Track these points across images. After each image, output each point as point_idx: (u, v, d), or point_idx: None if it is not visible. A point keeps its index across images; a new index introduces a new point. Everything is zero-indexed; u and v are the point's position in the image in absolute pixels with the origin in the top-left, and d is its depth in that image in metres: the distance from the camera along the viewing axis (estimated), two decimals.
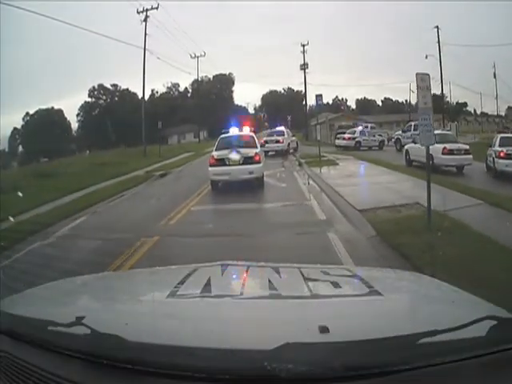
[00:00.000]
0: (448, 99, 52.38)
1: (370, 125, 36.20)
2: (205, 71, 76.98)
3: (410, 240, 5.83)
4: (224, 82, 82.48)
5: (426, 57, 40.24)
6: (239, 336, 1.16)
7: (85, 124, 71.92)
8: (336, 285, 1.66)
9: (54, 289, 1.88)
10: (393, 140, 29.93)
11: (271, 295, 1.56)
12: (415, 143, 17.41)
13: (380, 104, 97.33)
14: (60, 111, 70.00)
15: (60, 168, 22.10)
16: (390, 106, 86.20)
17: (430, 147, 7.15)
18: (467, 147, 16.57)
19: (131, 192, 14.32)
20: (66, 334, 1.15)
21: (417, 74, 6.94)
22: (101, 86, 74.58)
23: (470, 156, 16.06)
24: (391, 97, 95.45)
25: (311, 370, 0.96)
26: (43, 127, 62.11)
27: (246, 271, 2.04)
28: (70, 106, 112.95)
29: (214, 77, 77.77)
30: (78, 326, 1.14)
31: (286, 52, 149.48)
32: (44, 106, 68.65)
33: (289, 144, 27.50)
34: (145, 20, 32.63)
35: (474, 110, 70.02)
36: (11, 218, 9.07)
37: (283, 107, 78.18)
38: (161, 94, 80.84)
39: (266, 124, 72.83)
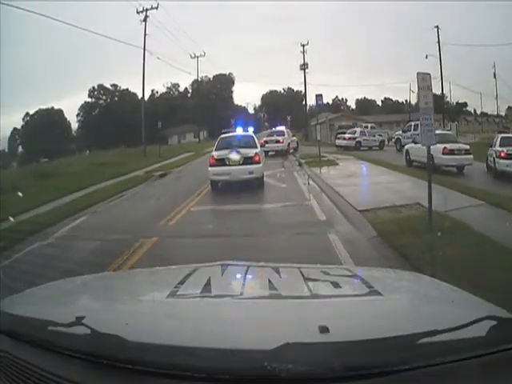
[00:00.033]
0: (448, 99, 52.42)
1: (370, 125, 36.21)
2: (205, 71, 77.03)
3: (411, 240, 5.81)
4: (224, 82, 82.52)
5: (426, 57, 40.29)
6: (239, 336, 1.16)
7: (85, 124, 71.97)
8: (336, 285, 1.65)
9: (54, 289, 1.88)
10: (393, 140, 29.94)
11: (271, 295, 1.56)
12: (415, 143, 17.41)
13: (380, 104, 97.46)
14: (60, 111, 70.14)
15: (60, 168, 22.11)
16: (389, 105, 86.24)
17: (431, 147, 7.15)
18: (468, 147, 16.55)
19: (131, 192, 14.31)
20: (65, 334, 1.15)
21: (418, 74, 6.91)
22: (101, 86, 74.69)
23: (471, 156, 16.04)
24: (391, 97, 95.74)
25: (311, 369, 0.96)
26: (43, 127, 62.15)
27: (246, 271, 2.04)
28: (70, 106, 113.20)
29: (213, 77, 77.89)
30: (77, 326, 1.14)
31: (286, 52, 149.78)
32: (44, 106, 68.94)
33: (289, 144, 27.50)
34: (144, 20, 32.67)
35: (474, 110, 70.14)
36: (11, 218, 9.07)
37: (283, 107, 78.20)
38: (161, 94, 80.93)
39: (266, 124, 72.84)
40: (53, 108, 69.14)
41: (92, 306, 1.67)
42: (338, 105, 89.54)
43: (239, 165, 12.32)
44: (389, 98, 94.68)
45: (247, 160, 12.39)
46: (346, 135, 31.55)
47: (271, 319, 1.32)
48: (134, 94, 68.62)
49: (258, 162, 12.59)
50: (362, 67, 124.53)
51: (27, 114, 68.79)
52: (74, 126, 73.55)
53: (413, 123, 26.46)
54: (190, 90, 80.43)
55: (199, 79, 61.51)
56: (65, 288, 1.91)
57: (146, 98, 46.87)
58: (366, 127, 33.88)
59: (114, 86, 75.44)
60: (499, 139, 15.41)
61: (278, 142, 26.50)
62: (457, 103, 56.85)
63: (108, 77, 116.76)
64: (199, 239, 7.22)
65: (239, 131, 14.88)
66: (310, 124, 47.03)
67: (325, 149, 22.59)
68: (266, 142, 26.22)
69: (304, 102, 56.05)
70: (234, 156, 12.40)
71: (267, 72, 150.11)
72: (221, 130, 15.90)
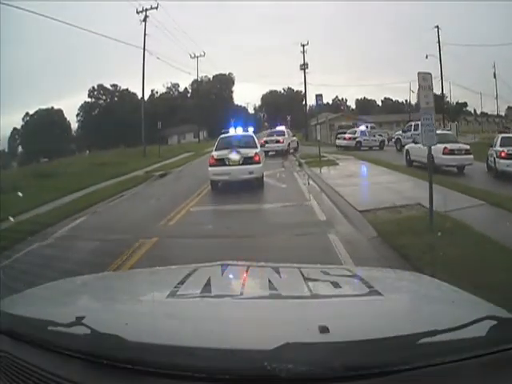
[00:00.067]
0: (448, 99, 52.43)
1: (369, 125, 36.20)
2: (205, 71, 76.82)
3: (411, 241, 5.78)
4: (224, 82, 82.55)
5: (427, 57, 40.27)
6: (239, 336, 1.16)
7: (84, 124, 72.00)
8: (336, 285, 1.66)
9: (54, 289, 1.88)
10: (393, 140, 29.93)
11: (271, 295, 1.56)
12: (416, 143, 17.39)
13: (380, 104, 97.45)
14: (60, 111, 70.17)
15: (60, 168, 22.12)
16: (389, 105, 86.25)
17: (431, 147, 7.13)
18: (468, 147, 16.52)
19: (131, 192, 14.31)
20: (65, 334, 1.15)
21: (419, 73, 6.87)
22: (100, 86, 74.73)
23: (471, 156, 16.01)
24: (391, 97, 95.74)
25: (311, 369, 0.96)
26: (43, 127, 62.16)
27: (246, 271, 2.04)
28: (70, 106, 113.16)
29: (213, 77, 77.96)
30: (78, 326, 1.14)
31: (286, 52, 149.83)
32: (44, 106, 68.96)
33: (289, 144, 27.49)
34: (144, 20, 32.66)
35: (474, 110, 70.13)
36: (11, 218, 9.07)
37: (283, 107, 78.24)
38: (160, 94, 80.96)
39: (266, 124, 72.88)
40: (53, 108, 69.27)
41: (92, 306, 1.67)
42: (338, 105, 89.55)
43: (239, 165, 12.32)
44: (389, 98, 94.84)
45: (247, 160, 12.39)
46: (347, 135, 31.55)
47: (271, 319, 1.32)
48: (134, 94, 68.74)
49: (258, 162, 12.59)
50: (361, 67, 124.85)
51: (27, 113, 68.94)
52: (74, 126, 73.75)
53: (413, 123, 26.46)
54: (190, 90, 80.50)
55: (199, 79, 61.64)
56: (65, 288, 1.91)
57: (146, 98, 46.89)
58: (367, 127, 33.85)
59: (114, 86, 75.60)
60: (500, 139, 15.38)
61: (278, 142, 26.48)
62: (457, 103, 56.87)
63: (108, 77, 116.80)
64: (199, 240, 7.20)
65: (239, 131, 14.88)
66: (309, 124, 47.03)
67: (325, 149, 22.59)
68: (266, 141, 26.21)
69: (304, 102, 56.16)
70: (234, 156, 12.39)
71: (267, 72, 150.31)
72: (220, 130, 15.85)
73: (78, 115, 73.63)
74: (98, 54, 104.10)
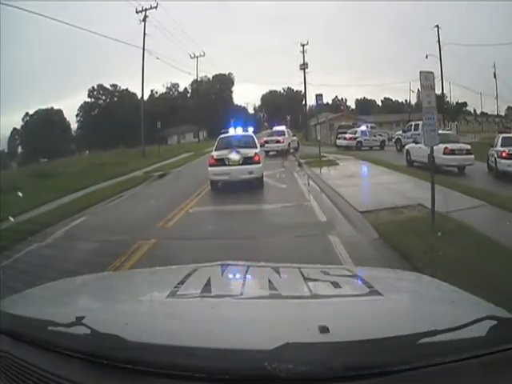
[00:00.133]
0: (448, 99, 52.40)
1: (370, 125, 36.19)
2: (204, 71, 76.90)
3: (413, 242, 5.74)
4: (224, 82, 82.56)
5: (427, 56, 40.22)
6: (239, 336, 1.16)
7: (84, 124, 72.02)
8: (336, 285, 1.66)
9: (54, 289, 1.88)
10: (393, 140, 29.92)
11: (271, 295, 1.56)
12: (416, 143, 17.39)
13: (380, 104, 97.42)
14: (59, 111, 70.18)
15: (59, 168, 22.11)
16: (389, 105, 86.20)
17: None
18: (469, 147, 16.46)
19: (130, 193, 14.30)
20: (65, 334, 1.15)
21: (421, 73, 6.82)
22: (100, 87, 74.72)
23: (472, 156, 15.95)
24: (391, 97, 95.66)
25: (311, 369, 0.96)
26: (43, 127, 62.18)
27: (246, 271, 2.04)
28: (70, 107, 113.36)
29: (213, 77, 77.96)
30: (78, 326, 1.14)
31: (286, 52, 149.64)
32: (43, 107, 68.93)
33: (289, 144, 27.48)
34: (144, 20, 32.63)
35: (474, 110, 70.02)
36: (11, 218, 9.07)
37: (283, 107, 78.31)
38: (160, 95, 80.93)
39: (266, 124, 72.89)
40: (52, 108, 69.26)
41: (92, 306, 1.67)
42: (338, 105, 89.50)
43: (239, 165, 12.32)
44: (389, 98, 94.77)
45: (247, 160, 12.39)
46: (347, 135, 31.53)
47: (271, 319, 1.32)
48: (134, 94, 68.60)
49: (258, 162, 12.59)
50: (361, 67, 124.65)
51: (27, 114, 68.93)
52: (74, 126, 73.74)
53: (413, 123, 26.46)
54: (190, 90, 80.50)
55: (199, 79, 61.67)
56: (65, 288, 1.91)
57: (146, 98, 46.93)
58: (367, 127, 33.84)
59: (114, 86, 75.58)
60: (500, 139, 15.29)
61: (278, 141, 26.46)
62: (457, 103, 56.80)
63: (107, 77, 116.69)
64: (198, 241, 7.12)
65: (238, 131, 14.87)
66: (309, 124, 47.05)
67: (325, 149, 22.57)
68: (267, 141, 26.22)
69: (304, 102, 56.17)
70: (234, 156, 12.39)
71: (267, 72, 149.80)
72: (220, 130, 15.85)
73: (77, 115, 73.75)
74: (98, 54, 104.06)
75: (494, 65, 54.67)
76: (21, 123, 69.14)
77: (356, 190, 11.41)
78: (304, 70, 50.03)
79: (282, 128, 29.88)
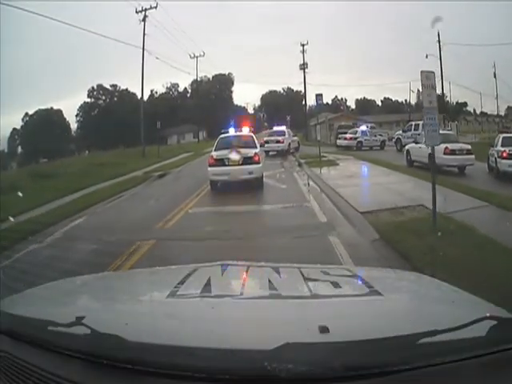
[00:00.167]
0: (448, 99, 52.39)
1: (369, 124, 36.20)
2: (204, 71, 77.05)
3: (415, 244, 5.71)
4: (223, 82, 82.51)
5: (427, 56, 40.16)
6: (239, 336, 1.16)
7: (84, 124, 71.99)
8: (336, 285, 1.66)
9: (54, 289, 1.88)
10: (393, 140, 29.93)
11: (271, 295, 1.56)
12: (417, 143, 17.38)
13: (380, 104, 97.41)
14: (59, 111, 70.15)
15: (59, 168, 22.13)
16: (389, 105, 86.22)
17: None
18: (469, 147, 16.41)
19: (129, 193, 14.29)
20: (65, 334, 1.15)
21: (422, 72, 6.79)
22: (100, 87, 74.71)
23: (472, 156, 15.89)
24: (391, 97, 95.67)
25: (311, 369, 0.96)
26: (42, 128, 62.15)
27: (246, 271, 2.04)
28: (69, 107, 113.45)
29: (213, 77, 77.90)
30: (78, 326, 1.14)
31: (286, 52, 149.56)
32: (43, 107, 68.88)
33: (289, 144, 27.48)
34: (143, 20, 32.64)
35: (474, 110, 69.97)
36: (11, 218, 9.07)
37: (283, 107, 78.17)
38: (160, 95, 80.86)
39: (266, 124, 72.89)
40: (52, 108, 69.22)
41: (92, 306, 1.67)
42: (338, 105, 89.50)
43: (239, 165, 12.30)
44: (388, 98, 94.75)
45: (247, 160, 12.37)
46: (348, 135, 31.52)
47: (271, 319, 1.32)
48: (134, 94, 68.52)
49: (258, 162, 12.58)
50: (361, 67, 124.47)
51: (26, 114, 68.89)
52: (74, 126, 73.68)
53: (413, 123, 26.48)
54: (190, 90, 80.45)
55: (199, 79, 61.67)
56: (65, 288, 1.91)
57: (146, 98, 46.93)
58: (367, 126, 33.84)
59: (114, 86, 75.54)
60: (501, 139, 15.19)
61: (278, 142, 26.44)
62: (457, 103, 56.75)
63: (107, 77, 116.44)
64: (197, 242, 7.09)
65: (232, 131, 14.86)
66: (309, 124, 47.04)
67: (324, 149, 22.57)
68: (267, 141, 26.22)
69: (304, 102, 56.19)
70: (234, 156, 12.37)
71: (267, 72, 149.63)
72: (220, 130, 15.85)
73: (77, 115, 73.69)
74: (98, 54, 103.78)
75: (494, 65, 54.62)
76: (20, 123, 69.24)
77: (356, 191, 11.39)
78: (304, 69, 50.13)
79: (283, 128, 29.86)
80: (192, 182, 15.30)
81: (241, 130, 15.49)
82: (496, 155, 14.65)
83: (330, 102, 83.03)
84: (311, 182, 14.10)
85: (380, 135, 33.22)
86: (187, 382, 1.01)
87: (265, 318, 1.33)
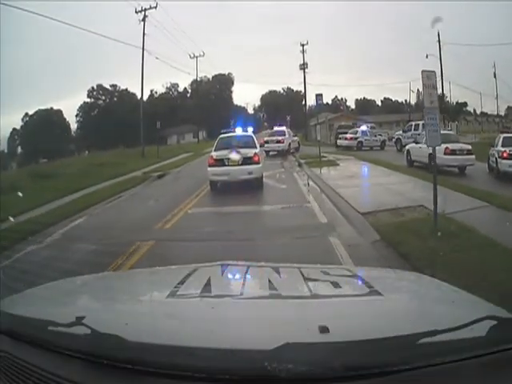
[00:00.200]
0: (448, 99, 52.39)
1: (369, 125, 36.20)
2: (204, 71, 77.07)
3: (416, 244, 5.70)
4: (223, 82, 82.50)
5: (427, 56, 40.14)
6: (239, 336, 1.16)
7: (84, 124, 71.99)
8: (336, 285, 1.66)
9: (54, 289, 1.88)
10: (393, 140, 29.93)
11: (271, 295, 1.56)
12: (417, 143, 17.35)
13: (380, 104, 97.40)
14: (59, 112, 70.16)
15: (59, 169, 22.12)
16: (389, 105, 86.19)
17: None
18: (469, 147, 16.35)
19: (129, 193, 14.29)
20: (66, 334, 1.15)
21: (423, 72, 6.76)
22: (100, 87, 74.71)
23: (473, 156, 15.83)
24: (391, 97, 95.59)
25: (311, 369, 0.96)
26: (42, 128, 62.13)
27: (246, 271, 2.04)
28: (69, 107, 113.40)
29: (213, 77, 77.90)
30: (78, 326, 1.14)
31: (286, 52, 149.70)
32: (43, 107, 68.88)
33: (289, 144, 27.48)
34: (143, 20, 32.61)
35: (474, 110, 69.97)
36: (11, 218, 9.07)
37: (282, 107, 78.15)
38: (160, 95, 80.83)
39: (266, 124, 72.92)
40: (52, 108, 69.23)
41: (92, 306, 1.67)
42: (338, 105, 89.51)
43: (238, 165, 12.28)
44: (388, 98, 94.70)
45: (246, 160, 12.35)
46: (348, 135, 31.50)
47: (271, 319, 1.32)
48: (133, 94, 68.42)
49: (258, 163, 12.56)
50: (361, 67, 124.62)
51: (26, 114, 68.90)
52: (73, 126, 73.68)
53: (413, 123, 26.47)
54: (190, 90, 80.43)
55: (198, 79, 61.61)
56: (65, 288, 1.91)
57: (145, 98, 46.95)
58: (367, 126, 33.83)
59: (113, 86, 75.53)
60: (501, 139, 15.10)
61: (278, 142, 26.43)
62: (457, 103, 56.77)
63: (107, 77, 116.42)
64: (197, 243, 7.05)
65: (238, 131, 14.87)
66: (309, 124, 47.05)
67: (324, 149, 22.55)
68: (267, 141, 26.22)
69: (304, 102, 56.19)
70: (234, 156, 12.36)
71: (267, 72, 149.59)
72: (220, 130, 15.86)
73: (77, 115, 73.70)
74: (98, 54, 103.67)
75: (494, 65, 54.70)
76: (20, 123, 69.23)
77: (356, 191, 11.37)
78: (304, 69, 50.14)
79: (283, 128, 29.85)
80: (191, 182, 15.29)
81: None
82: (496, 155, 14.59)
83: (329, 102, 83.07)
84: (311, 183, 14.09)
85: (380, 135, 33.21)
86: (187, 382, 1.01)
87: (265, 318, 1.33)
